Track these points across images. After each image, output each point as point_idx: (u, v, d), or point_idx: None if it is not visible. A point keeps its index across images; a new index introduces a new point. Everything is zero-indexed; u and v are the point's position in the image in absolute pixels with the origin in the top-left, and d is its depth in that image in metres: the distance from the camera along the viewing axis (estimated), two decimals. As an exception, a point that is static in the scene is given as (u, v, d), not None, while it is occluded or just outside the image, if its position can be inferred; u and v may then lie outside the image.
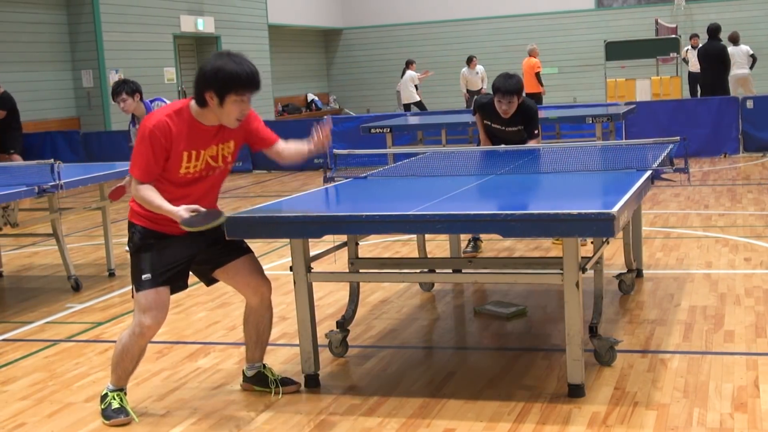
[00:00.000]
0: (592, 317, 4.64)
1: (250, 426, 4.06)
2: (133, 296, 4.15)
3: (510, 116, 6.66)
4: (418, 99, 20.88)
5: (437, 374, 4.61)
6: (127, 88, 7.87)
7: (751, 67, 16.84)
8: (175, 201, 3.98)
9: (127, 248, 4.35)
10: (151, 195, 3.96)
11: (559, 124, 12.58)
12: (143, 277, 4.10)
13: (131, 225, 4.17)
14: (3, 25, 15.55)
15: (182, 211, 3.91)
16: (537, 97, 19.08)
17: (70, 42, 16.95)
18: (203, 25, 20.09)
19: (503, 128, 6.80)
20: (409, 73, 20.96)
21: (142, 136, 3.94)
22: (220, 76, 3.88)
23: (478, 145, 7.17)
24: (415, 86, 20.92)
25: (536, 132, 6.73)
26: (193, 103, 4.01)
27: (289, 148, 4.37)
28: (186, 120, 4.00)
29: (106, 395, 4.25)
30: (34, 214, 7.48)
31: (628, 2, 26.19)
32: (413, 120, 13.68)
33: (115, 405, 4.20)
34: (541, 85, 19.26)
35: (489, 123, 6.87)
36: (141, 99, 7.97)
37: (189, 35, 20.02)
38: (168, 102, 8.08)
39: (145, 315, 4.09)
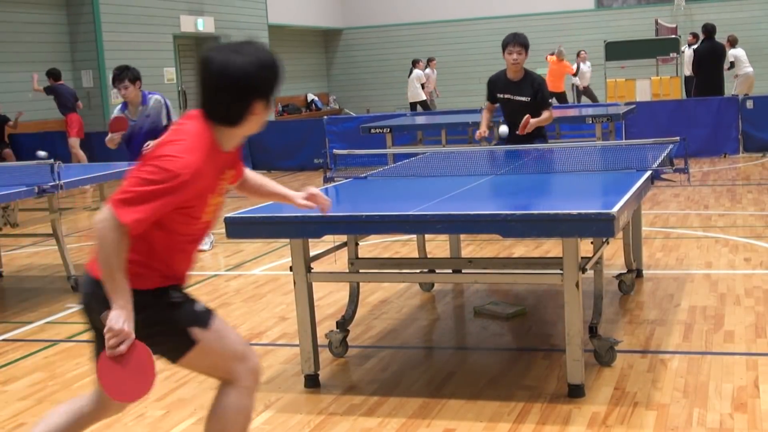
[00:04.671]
0: (592, 317, 4.64)
1: (250, 426, 4.05)
2: (181, 360, 2.95)
3: (519, 81, 6.99)
4: (423, 98, 20.98)
5: (437, 374, 4.61)
6: (130, 74, 7.87)
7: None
8: (177, 254, 2.95)
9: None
10: (122, 258, 2.76)
11: (559, 124, 12.59)
12: (198, 308, 2.97)
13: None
14: (3, 25, 15.55)
15: (125, 322, 2.76)
16: (561, 96, 19.47)
17: (70, 42, 16.94)
18: (203, 25, 20.09)
19: (513, 97, 7.04)
20: (416, 72, 21.05)
21: (162, 179, 2.73)
22: (268, 76, 2.86)
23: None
24: (421, 85, 21.04)
25: (549, 102, 7.16)
26: (209, 124, 2.86)
27: (255, 179, 3.34)
28: (212, 150, 2.86)
29: None
30: (34, 214, 7.47)
31: (628, 2, 26.18)
32: (413, 120, 13.70)
33: None
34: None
35: (501, 95, 7.11)
36: (140, 87, 7.99)
37: (189, 35, 20.02)
38: (162, 98, 8.07)
39: (248, 357, 3.00)
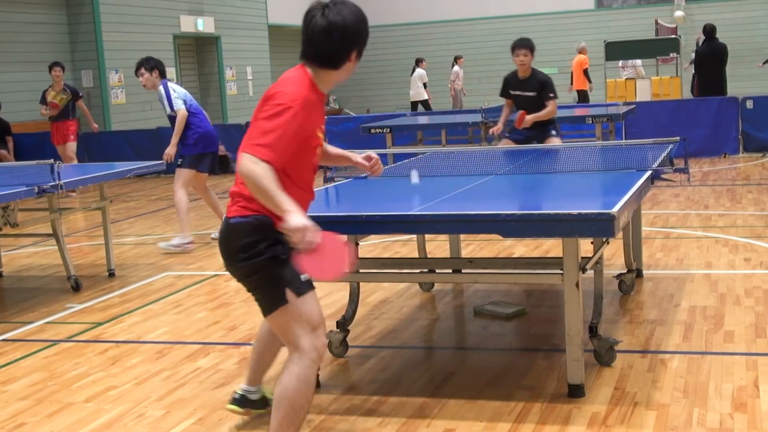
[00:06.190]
0: (592, 317, 4.64)
1: (250, 426, 4.06)
2: (271, 313, 3.34)
3: (527, 79, 7.98)
4: (425, 97, 20.98)
5: (437, 374, 4.61)
6: (145, 65, 8.36)
7: None
8: (295, 195, 3.27)
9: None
10: (273, 182, 3.11)
11: (559, 124, 12.59)
12: (302, 277, 3.28)
13: (244, 224, 3.25)
14: (3, 25, 15.55)
15: (302, 219, 3.11)
16: (584, 95, 19.39)
17: (70, 42, 16.95)
18: (203, 25, 20.09)
19: (522, 93, 8.07)
20: (418, 71, 21.03)
21: (279, 111, 3.18)
22: (366, 30, 3.41)
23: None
24: (423, 84, 21.04)
25: (552, 95, 7.98)
26: (308, 68, 3.36)
27: (328, 146, 3.90)
28: (312, 87, 3.36)
29: None
30: (34, 214, 7.48)
31: (628, 2, 26.21)
32: (413, 120, 13.70)
33: None
34: (589, 81, 19.50)
35: (512, 92, 8.16)
36: (157, 77, 8.34)
37: (189, 35, 20.03)
38: (163, 88, 8.23)
39: (319, 331, 3.36)
